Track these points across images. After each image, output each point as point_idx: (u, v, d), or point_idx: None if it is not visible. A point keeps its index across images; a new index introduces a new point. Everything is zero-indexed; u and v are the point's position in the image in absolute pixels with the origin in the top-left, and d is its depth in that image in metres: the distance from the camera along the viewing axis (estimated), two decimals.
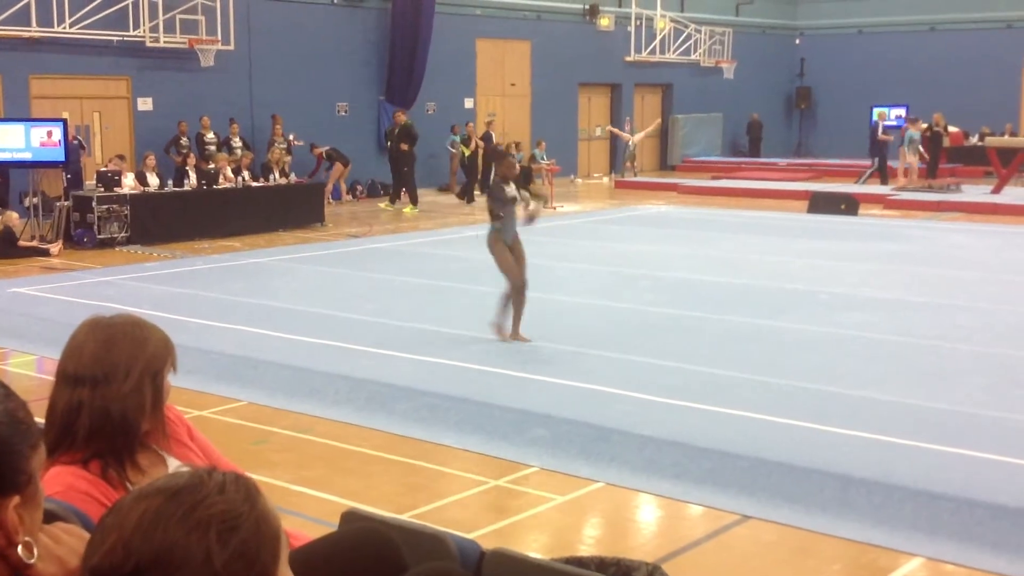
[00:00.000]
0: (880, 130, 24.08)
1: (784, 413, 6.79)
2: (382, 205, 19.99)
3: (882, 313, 10.01)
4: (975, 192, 20.77)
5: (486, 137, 22.00)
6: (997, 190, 20.43)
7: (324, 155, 20.27)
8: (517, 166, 8.90)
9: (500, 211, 8.62)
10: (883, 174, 23.93)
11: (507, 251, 8.68)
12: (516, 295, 8.70)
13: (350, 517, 3.06)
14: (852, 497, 5.42)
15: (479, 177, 21.66)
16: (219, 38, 18.97)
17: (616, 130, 27.03)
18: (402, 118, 20.21)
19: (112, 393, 2.19)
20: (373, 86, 22.41)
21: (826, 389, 7.36)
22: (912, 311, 10.12)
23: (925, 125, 22.75)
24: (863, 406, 6.96)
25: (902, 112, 28.21)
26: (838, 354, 8.49)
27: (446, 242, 15.39)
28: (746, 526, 5.16)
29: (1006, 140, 22.73)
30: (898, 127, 27.20)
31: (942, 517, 5.17)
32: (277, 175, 17.67)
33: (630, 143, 26.01)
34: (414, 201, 19.79)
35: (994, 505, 5.31)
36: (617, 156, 28.95)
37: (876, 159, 24.14)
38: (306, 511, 5.26)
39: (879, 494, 5.45)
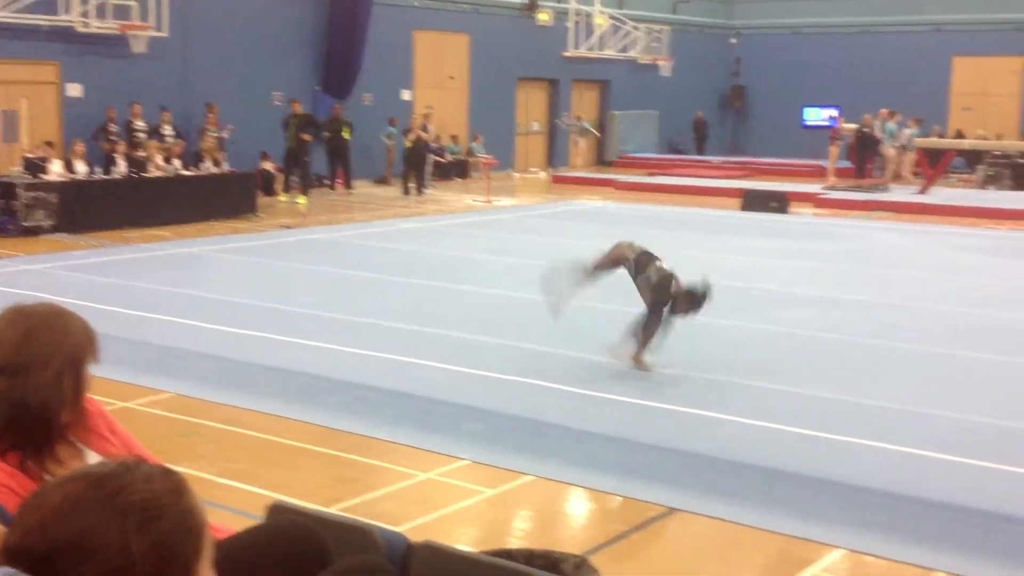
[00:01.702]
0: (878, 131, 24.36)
1: (717, 408, 6.86)
2: (282, 197, 19.64)
3: (814, 310, 10.16)
4: (903, 192, 21.17)
5: (424, 129, 21.91)
6: (924, 190, 20.84)
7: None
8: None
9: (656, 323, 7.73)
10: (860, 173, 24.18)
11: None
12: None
13: (276, 510, 3.02)
14: (779, 491, 5.50)
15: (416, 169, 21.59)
16: (152, 24, 18.64)
17: None
18: (298, 108, 19.93)
19: (31, 384, 2.14)
20: (309, 76, 22.20)
21: (758, 385, 7.45)
22: (842, 308, 10.28)
23: (895, 125, 23.00)
24: (793, 402, 7.06)
25: (834, 112, 28.69)
26: (771, 350, 8.60)
27: (382, 234, 15.31)
28: (674, 518, 5.21)
29: (934, 141, 23.19)
30: (830, 127, 27.67)
31: (865, 510, 5.26)
32: (210, 164, 17.43)
33: None
34: (305, 191, 19.46)
35: (916, 499, 5.41)
36: (555, 151, 29.03)
37: (877, 160, 24.42)
38: (232, 504, 5.19)
39: (805, 488, 5.53)
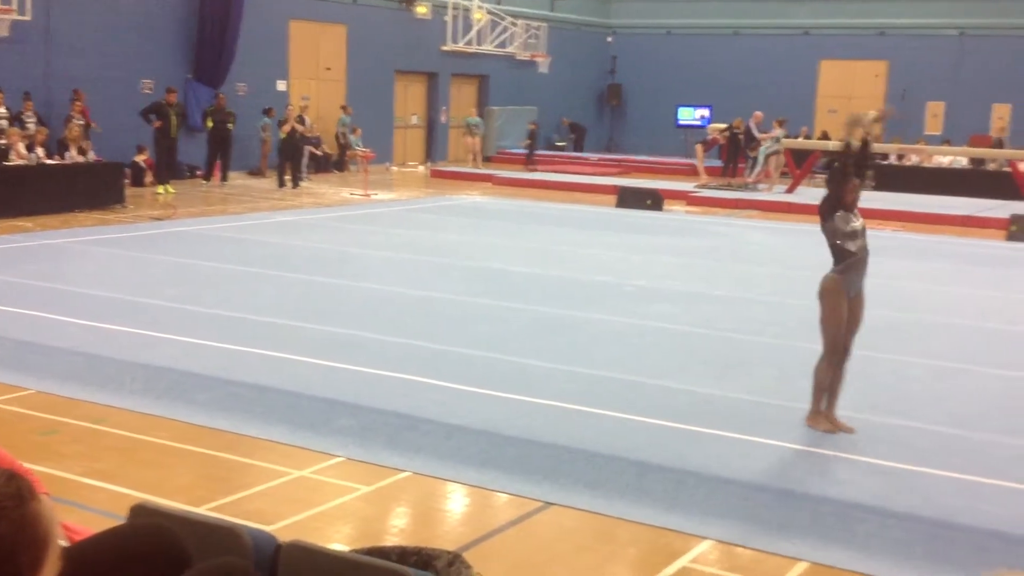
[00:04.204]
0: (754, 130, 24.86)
1: (588, 402, 6.95)
2: (159, 190, 19.13)
3: (684, 305, 10.38)
4: (770, 191, 21.78)
5: (300, 121, 21.60)
6: (791, 190, 21.50)
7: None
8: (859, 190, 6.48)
9: (852, 247, 6.38)
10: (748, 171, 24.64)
11: (844, 305, 6.41)
12: (832, 365, 6.51)
13: (139, 511, 2.95)
14: (649, 483, 5.61)
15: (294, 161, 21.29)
16: (14, 7, 17.89)
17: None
18: (173, 98, 19.31)
19: None
20: (181, 64, 21.64)
21: (629, 379, 7.57)
22: (711, 304, 10.53)
23: (779, 130, 23.54)
24: (662, 395, 7.20)
25: (706, 112, 29.38)
26: (641, 345, 8.75)
27: (255, 227, 15.03)
28: (548, 512, 5.26)
29: (801, 142, 23.93)
30: (702, 127, 28.33)
31: (732, 501, 5.41)
32: (75, 153, 16.85)
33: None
34: (163, 181, 18.98)
35: (780, 490, 5.59)
36: (434, 145, 28.96)
37: (749, 159, 24.88)
38: (97, 505, 5.04)
39: (674, 480, 5.65)
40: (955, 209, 19.08)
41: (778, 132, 23.01)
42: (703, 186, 22.59)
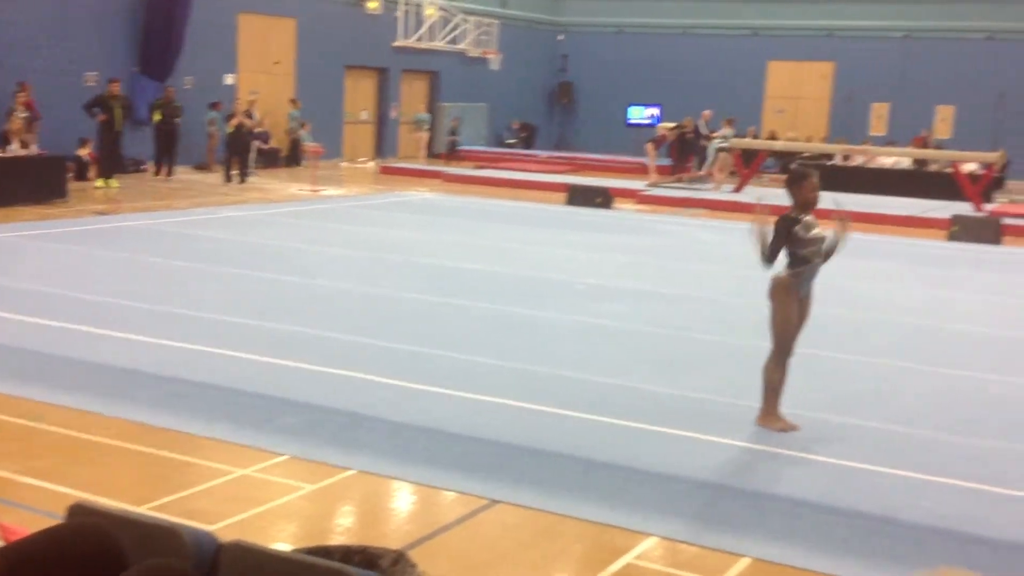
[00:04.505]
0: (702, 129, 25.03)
1: (535, 399, 6.95)
2: (98, 183, 18.86)
3: (632, 304, 10.43)
4: (719, 190, 21.95)
5: (248, 115, 21.40)
6: (739, 189, 21.69)
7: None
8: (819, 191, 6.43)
9: (805, 255, 6.38)
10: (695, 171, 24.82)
11: (795, 305, 6.45)
12: (778, 364, 6.58)
13: (77, 510, 2.90)
14: (594, 480, 5.63)
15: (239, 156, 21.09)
16: None
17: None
18: (116, 89, 18.97)
19: None
20: (127, 57, 21.33)
21: (576, 376, 7.59)
22: (660, 302, 10.59)
23: (729, 131, 23.72)
24: (610, 393, 7.23)
25: (656, 111, 29.55)
26: (590, 343, 8.78)
27: (201, 222, 14.87)
28: (494, 510, 5.26)
29: (748, 142, 24.14)
30: (652, 125, 28.51)
31: (677, 498, 5.44)
32: (17, 146, 16.54)
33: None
34: (107, 175, 18.72)
35: (725, 487, 5.64)
36: (384, 141, 28.84)
37: (695, 159, 25.04)
38: (36, 504, 4.95)
39: (620, 477, 5.68)
40: (898, 209, 19.36)
41: (727, 131, 23.22)
42: (655, 184, 22.72)
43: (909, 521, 5.25)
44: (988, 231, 16.92)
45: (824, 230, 6.46)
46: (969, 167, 21.80)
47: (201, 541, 2.66)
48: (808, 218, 6.39)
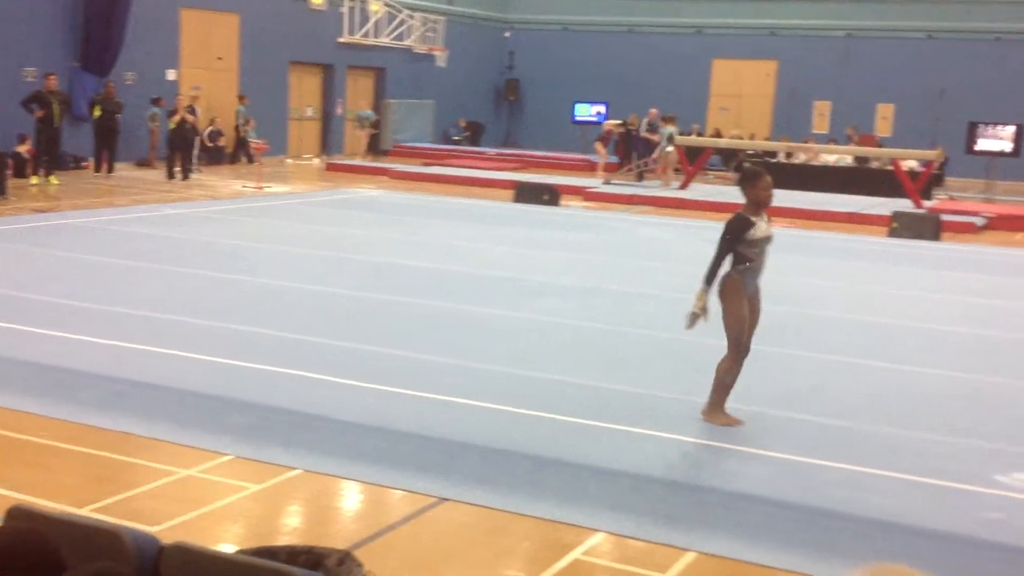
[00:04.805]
0: (643, 129, 25.10)
1: (483, 397, 6.95)
2: (33, 180, 18.54)
3: (579, 300, 10.47)
4: (668, 187, 22.10)
5: (190, 111, 21.14)
6: (684, 186, 21.85)
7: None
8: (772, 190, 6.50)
9: (751, 256, 6.45)
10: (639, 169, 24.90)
11: (744, 302, 6.53)
12: (734, 363, 6.63)
13: (16, 513, 2.85)
14: (542, 477, 5.64)
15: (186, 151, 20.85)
16: None
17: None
18: (53, 84, 18.65)
19: None
20: (66, 51, 20.97)
21: (524, 374, 7.60)
22: (606, 299, 10.64)
23: (673, 128, 23.83)
24: (557, 390, 7.25)
25: (602, 109, 29.67)
26: (537, 340, 8.79)
27: (144, 220, 14.67)
28: (442, 508, 5.25)
29: (693, 139, 24.33)
30: (599, 123, 28.64)
31: (624, 494, 5.47)
32: None
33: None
34: (39, 171, 18.41)
35: (671, 482, 5.68)
36: (330, 137, 28.64)
37: (635, 155, 25.11)
38: None
39: (568, 474, 5.70)
40: (840, 206, 19.63)
41: (669, 129, 23.36)
42: (608, 182, 22.78)
43: (851, 514, 5.32)
44: (928, 227, 17.21)
45: (771, 229, 6.54)
46: (909, 164, 22.16)
47: (143, 543, 2.63)
48: (759, 219, 6.46)
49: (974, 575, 4.73)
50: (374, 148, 28.77)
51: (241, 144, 24.72)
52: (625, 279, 11.81)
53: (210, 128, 24.01)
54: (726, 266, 6.52)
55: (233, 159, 24.72)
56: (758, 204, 6.48)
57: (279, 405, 6.60)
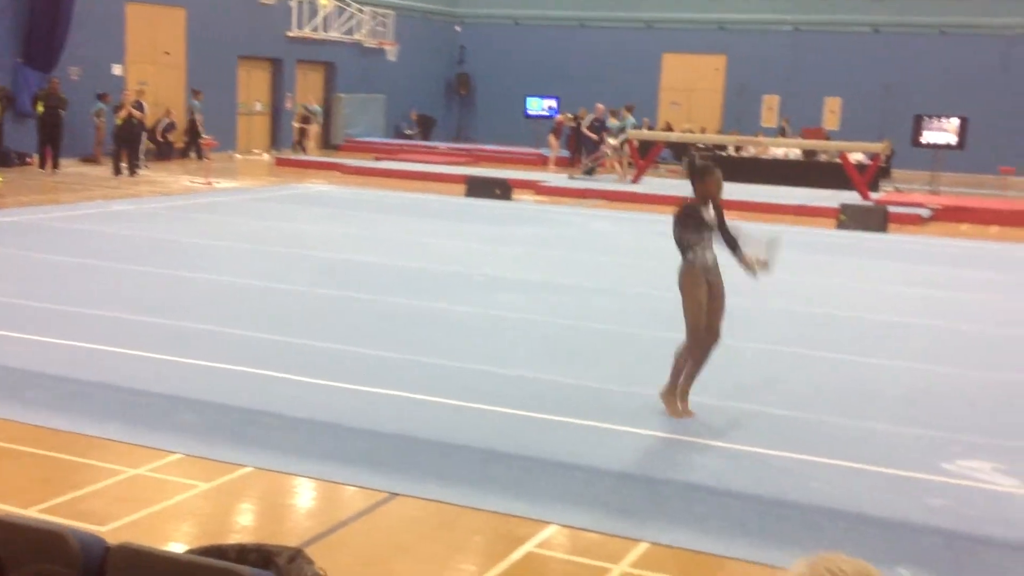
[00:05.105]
0: (585, 124, 25.17)
1: (435, 392, 6.95)
2: None
3: (531, 295, 10.49)
4: (600, 181, 22.16)
5: (137, 106, 20.86)
6: (636, 179, 21.96)
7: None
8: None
9: (694, 241, 6.56)
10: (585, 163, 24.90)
11: (702, 287, 6.56)
12: (694, 349, 6.66)
13: None
14: (495, 471, 5.65)
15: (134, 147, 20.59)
16: None
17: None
18: None
19: None
20: (9, 47, 20.61)
21: (476, 368, 7.61)
22: (558, 293, 10.67)
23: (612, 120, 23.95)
24: (509, 384, 7.26)
25: (554, 103, 29.72)
26: (489, 334, 8.80)
27: (89, 217, 14.46)
28: (394, 503, 5.24)
29: (644, 133, 24.45)
30: (551, 117, 28.70)
31: (575, 486, 5.50)
32: None
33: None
34: None
35: (623, 474, 5.71)
36: (280, 132, 28.41)
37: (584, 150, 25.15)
38: None
39: (520, 467, 5.71)
40: (789, 199, 19.82)
41: (631, 119, 23.43)
42: (573, 177, 22.78)
43: (800, 503, 5.39)
44: (875, 219, 17.44)
45: (711, 216, 6.60)
46: (856, 157, 22.43)
47: (88, 544, 2.60)
48: (705, 209, 6.57)
49: (919, 560, 4.81)
50: (325, 142, 28.57)
51: (194, 139, 24.43)
52: (578, 273, 11.85)
53: (165, 120, 23.72)
54: (679, 256, 6.60)
55: (183, 154, 24.44)
56: (706, 198, 6.58)
57: (230, 403, 6.55)
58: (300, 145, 27.27)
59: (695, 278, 6.56)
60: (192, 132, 24.49)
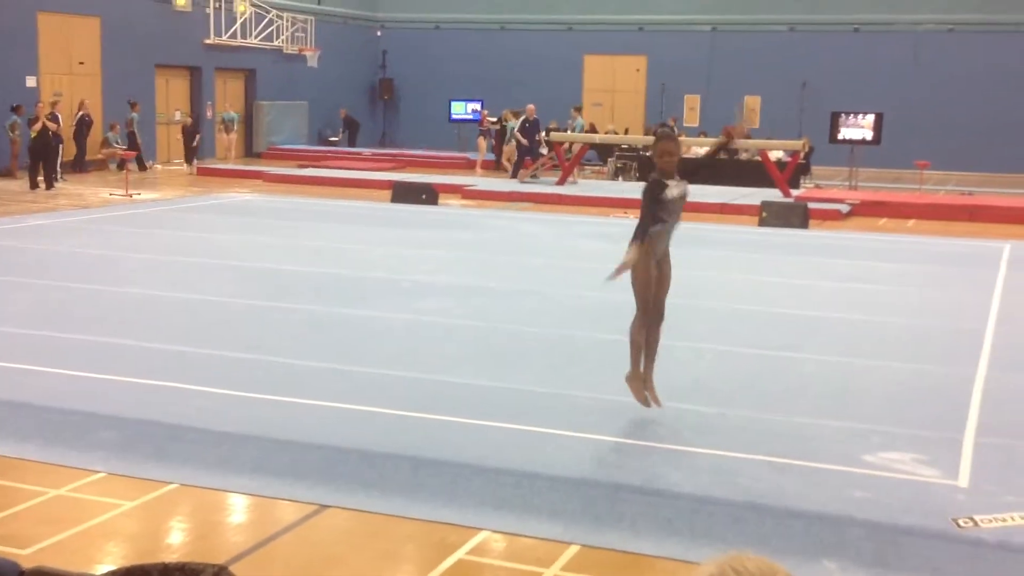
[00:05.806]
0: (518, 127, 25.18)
1: (362, 401, 6.90)
2: None
3: (458, 299, 10.47)
4: (542, 184, 22.28)
5: (52, 118, 20.41)
6: (561, 182, 22.05)
7: None
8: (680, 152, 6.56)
9: (662, 215, 6.47)
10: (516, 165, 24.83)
11: (651, 266, 6.60)
12: (644, 325, 6.69)
13: None
14: (424, 478, 5.62)
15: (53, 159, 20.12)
16: None
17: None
18: None
19: None
20: None
21: (403, 375, 7.57)
22: (486, 296, 10.66)
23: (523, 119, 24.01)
24: (438, 390, 7.23)
25: (477, 106, 29.73)
26: (416, 340, 8.76)
27: (5, 231, 14.11)
28: (324, 515, 5.19)
29: (568, 136, 24.57)
30: (475, 120, 28.71)
31: (506, 491, 5.49)
32: None
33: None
34: None
35: (553, 476, 5.72)
36: (201, 142, 28.01)
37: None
38: None
39: (450, 474, 5.69)
40: (711, 197, 20.04)
41: (581, 121, 23.51)
42: (525, 180, 22.75)
43: (727, 499, 5.45)
44: (796, 216, 17.73)
45: (682, 190, 6.53)
46: (776, 155, 22.79)
47: (2, 569, 2.52)
48: (670, 182, 6.49)
49: (843, 551, 4.90)
50: (247, 150, 28.23)
51: (135, 150, 23.88)
52: (504, 276, 11.86)
53: (80, 112, 23.16)
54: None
55: (101, 165, 23.96)
56: (660, 169, 6.51)
57: (152, 418, 6.43)
58: (247, 152, 26.97)
59: (648, 254, 6.54)
60: (132, 144, 24.02)
